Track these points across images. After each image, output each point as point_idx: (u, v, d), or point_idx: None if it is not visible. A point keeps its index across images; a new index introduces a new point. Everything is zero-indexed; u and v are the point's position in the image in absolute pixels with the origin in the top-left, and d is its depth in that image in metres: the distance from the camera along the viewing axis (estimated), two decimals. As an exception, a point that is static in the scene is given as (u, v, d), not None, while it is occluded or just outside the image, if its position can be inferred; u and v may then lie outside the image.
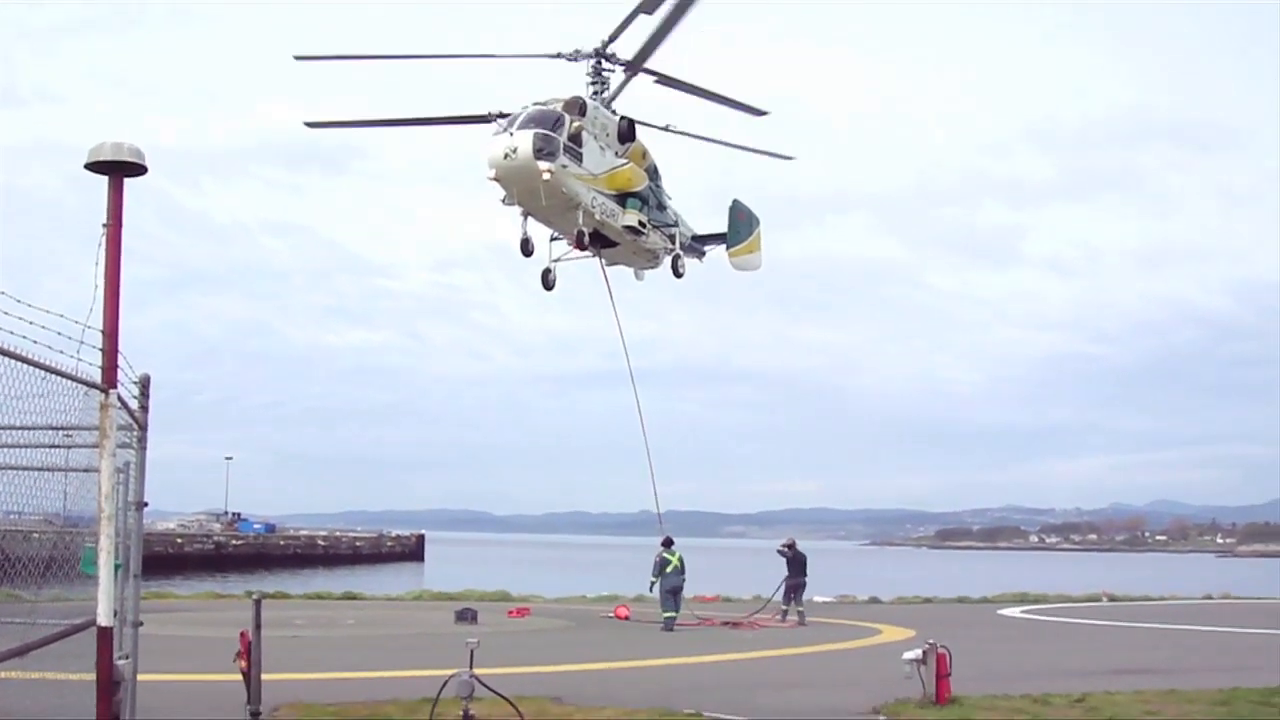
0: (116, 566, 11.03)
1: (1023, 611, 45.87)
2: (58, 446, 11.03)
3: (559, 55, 35.26)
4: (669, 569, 37.25)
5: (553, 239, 35.25)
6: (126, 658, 12.19)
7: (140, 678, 13.04)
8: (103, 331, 10.02)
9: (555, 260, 35.14)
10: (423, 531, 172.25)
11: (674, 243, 38.24)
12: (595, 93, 35.54)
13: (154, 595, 44.61)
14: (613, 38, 35.10)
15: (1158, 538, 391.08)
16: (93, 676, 10.09)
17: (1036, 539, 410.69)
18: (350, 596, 49.92)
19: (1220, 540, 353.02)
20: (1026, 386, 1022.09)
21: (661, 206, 37.81)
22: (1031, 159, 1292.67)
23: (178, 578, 79.96)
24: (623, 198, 35.62)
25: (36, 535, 11.80)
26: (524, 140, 31.92)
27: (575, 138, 33.09)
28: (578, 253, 35.19)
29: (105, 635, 10.00)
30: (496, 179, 32.56)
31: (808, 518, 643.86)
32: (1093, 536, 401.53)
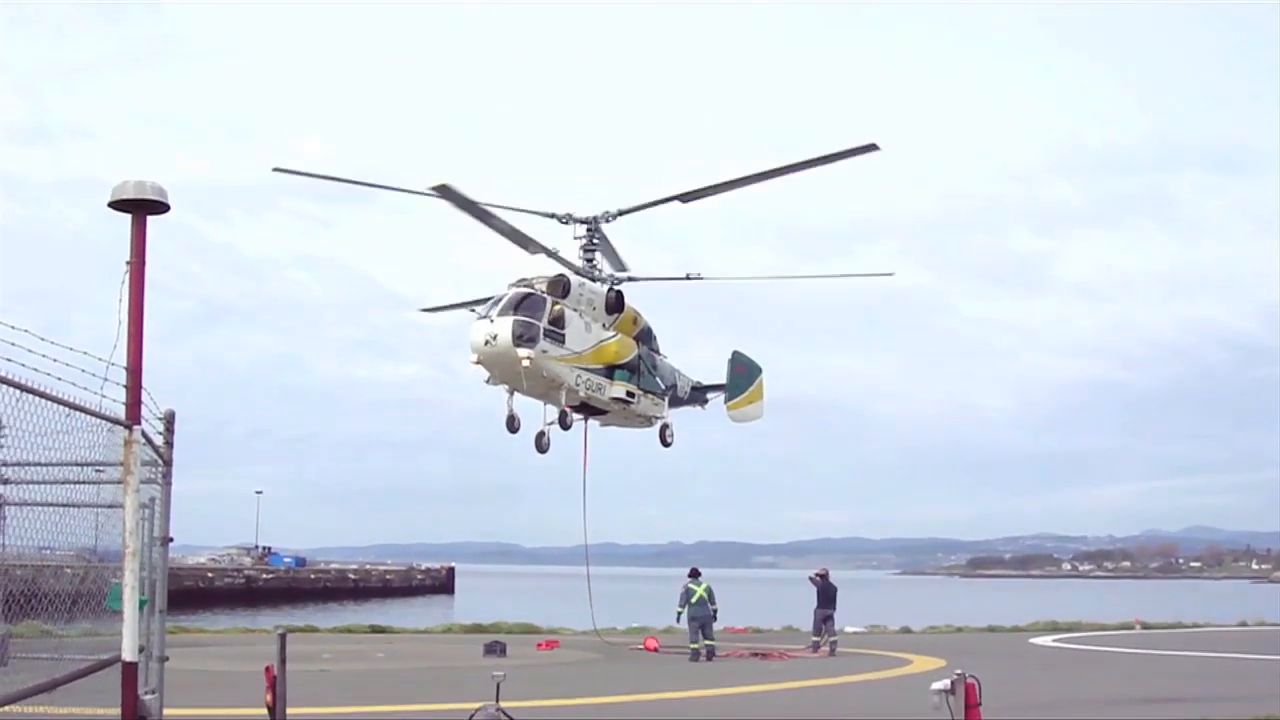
0: (142, 602, 11.09)
1: (1055, 640, 45.54)
2: (83, 483, 11.10)
3: (552, 216, 36.03)
4: (694, 599, 37.17)
5: (546, 403, 35.92)
6: (153, 693, 12.21)
7: (167, 712, 13.05)
8: (126, 368, 10.11)
9: (549, 424, 35.76)
10: (453, 564, 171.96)
11: (666, 403, 39.33)
12: (587, 259, 36.30)
13: (184, 630, 44.72)
14: (623, 212, 36.03)
15: (1192, 564, 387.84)
16: (119, 712, 10.13)
17: (1069, 567, 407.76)
18: (379, 630, 49.92)
19: (1255, 566, 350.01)
20: (1057, 413, 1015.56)
21: (654, 369, 38.46)
22: (1059, 185, 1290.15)
23: (208, 612, 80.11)
24: (611, 369, 36.32)
25: (69, 570, 11.88)
26: (503, 328, 33.02)
27: (557, 320, 34.09)
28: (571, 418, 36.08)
29: (130, 670, 10.04)
30: (479, 363, 33.51)
31: (839, 547, 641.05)
32: (1126, 564, 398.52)
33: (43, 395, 8.72)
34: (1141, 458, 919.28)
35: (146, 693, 11.63)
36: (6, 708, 9.70)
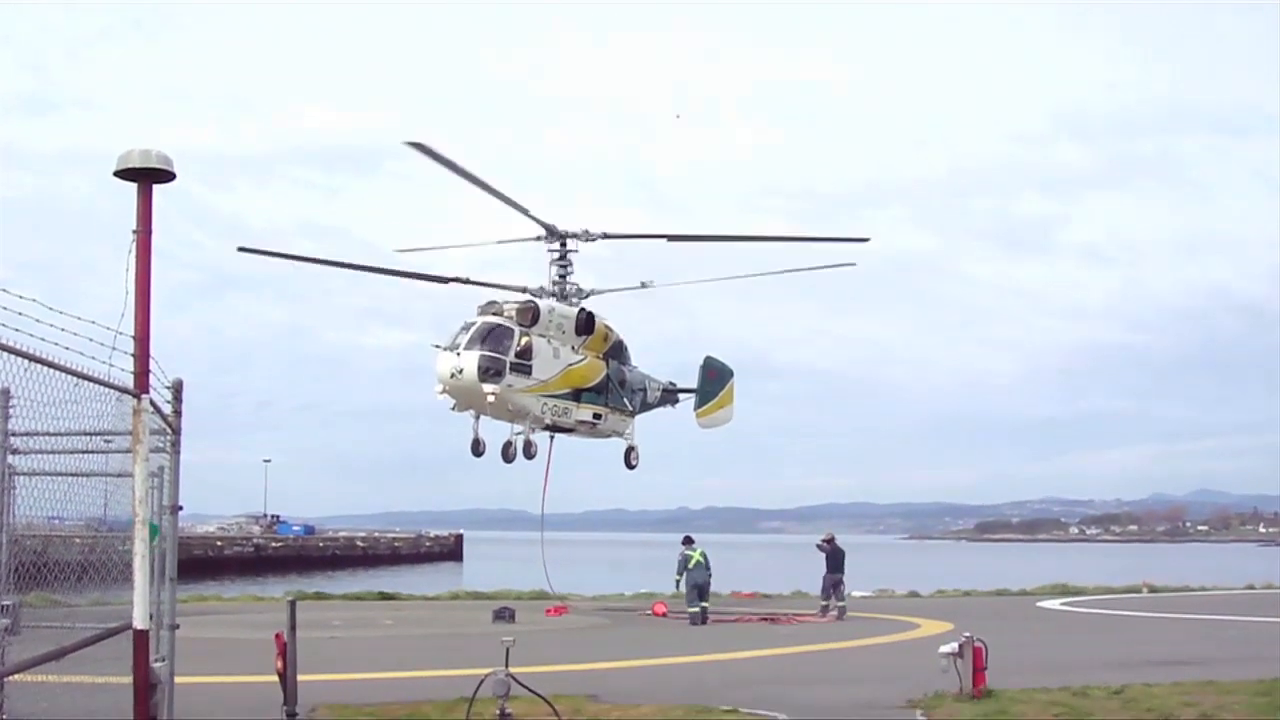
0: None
1: (1062, 604, 45.66)
2: (91, 452, 11.12)
3: (538, 238, 36.14)
4: (691, 565, 37.86)
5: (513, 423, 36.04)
6: (163, 660, 12.28)
7: (178, 680, 13.13)
8: (134, 337, 10.09)
9: (517, 434, 35.67)
10: (461, 531, 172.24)
11: (633, 422, 39.60)
12: (561, 274, 36.24)
13: (194, 598, 44.89)
14: (575, 235, 36.07)
15: (1199, 528, 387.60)
16: (130, 679, 10.17)
17: (1076, 531, 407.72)
18: (388, 597, 50.06)
19: (1262, 529, 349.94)
20: (1065, 377, 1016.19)
21: (622, 385, 38.46)
22: (1066, 147, 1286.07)
23: (218, 580, 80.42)
24: (578, 393, 36.28)
25: (78, 540, 11.93)
26: (469, 362, 32.92)
27: (524, 351, 33.96)
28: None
29: (141, 638, 10.07)
30: (444, 393, 33.34)
31: (845, 512, 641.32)
32: (1133, 527, 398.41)
33: (51, 365, 8.71)
34: (1149, 421, 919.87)
35: (157, 660, 11.69)
36: (20, 675, 9.76)
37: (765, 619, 38.03)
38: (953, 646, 19.38)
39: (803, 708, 18.72)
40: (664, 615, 39.63)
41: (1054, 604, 45.57)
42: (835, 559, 40.04)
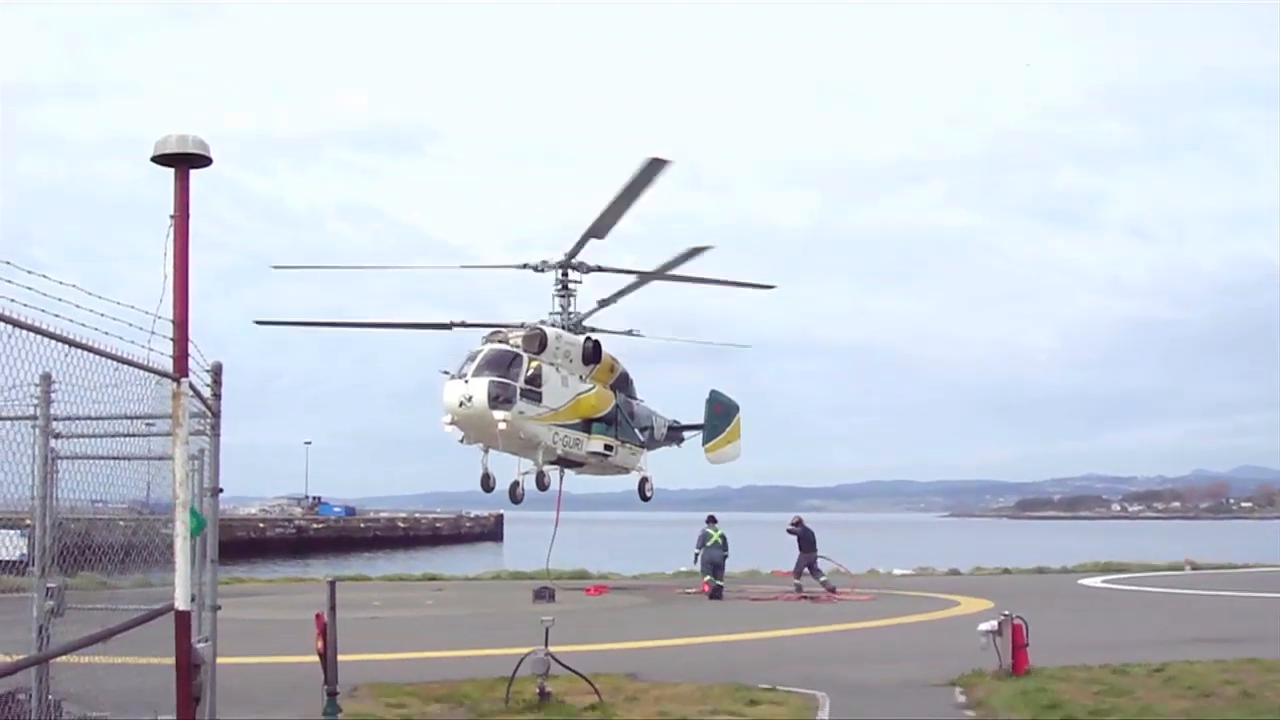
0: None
1: (1104, 581, 45.46)
2: (133, 435, 11.21)
3: (525, 266, 35.71)
4: (710, 543, 38.71)
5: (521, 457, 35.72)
6: (206, 641, 12.37)
7: (220, 660, 13.23)
8: (173, 321, 10.16)
9: (524, 474, 35.30)
10: (501, 511, 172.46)
11: (645, 454, 39.79)
12: (563, 306, 35.92)
13: (236, 580, 45.23)
14: (572, 254, 35.69)
15: (1243, 504, 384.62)
16: (173, 659, 10.27)
17: (1119, 508, 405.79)
18: (429, 577, 50.26)
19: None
20: (1107, 353, 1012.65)
21: (631, 417, 38.12)
22: (1108, 121, 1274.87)
23: (260, 562, 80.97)
24: (588, 423, 35.78)
25: (122, 523, 12.03)
26: (479, 389, 32.06)
27: (534, 378, 33.30)
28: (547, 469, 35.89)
29: (183, 619, 10.16)
30: (453, 424, 32.66)
31: (886, 490, 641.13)
32: (1176, 504, 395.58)
33: (91, 350, 8.80)
34: (1192, 397, 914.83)
35: (200, 641, 11.79)
36: (65, 657, 9.88)
37: (805, 597, 38.04)
38: (992, 624, 19.34)
39: (843, 686, 18.71)
40: (709, 593, 39.74)
41: (1096, 582, 45.39)
42: (807, 539, 40.52)
